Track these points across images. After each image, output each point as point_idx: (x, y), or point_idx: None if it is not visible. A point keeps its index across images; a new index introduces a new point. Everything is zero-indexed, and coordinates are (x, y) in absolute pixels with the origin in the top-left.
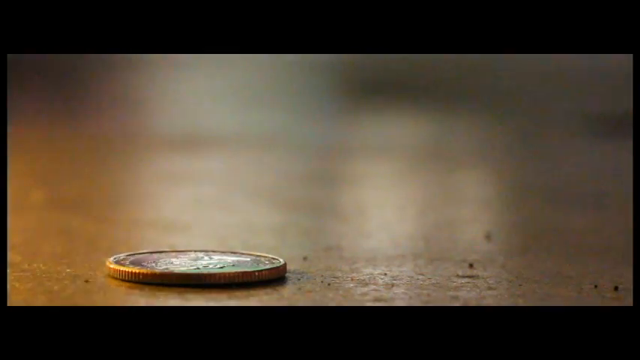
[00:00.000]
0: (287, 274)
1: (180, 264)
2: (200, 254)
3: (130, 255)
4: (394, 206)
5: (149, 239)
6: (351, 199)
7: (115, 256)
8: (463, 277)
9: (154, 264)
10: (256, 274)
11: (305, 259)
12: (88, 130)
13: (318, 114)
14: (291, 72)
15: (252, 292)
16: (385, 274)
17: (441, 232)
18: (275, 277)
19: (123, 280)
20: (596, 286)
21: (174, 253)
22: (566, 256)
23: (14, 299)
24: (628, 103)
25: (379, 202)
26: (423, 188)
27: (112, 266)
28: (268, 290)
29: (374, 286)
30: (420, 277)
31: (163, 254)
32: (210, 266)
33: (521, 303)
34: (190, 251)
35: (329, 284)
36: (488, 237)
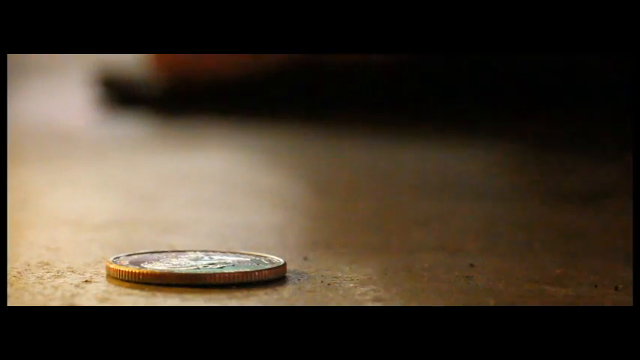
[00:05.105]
0: (287, 274)
1: (180, 264)
2: (200, 254)
3: (130, 255)
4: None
5: (149, 239)
6: (351, 198)
7: (114, 256)
8: (463, 276)
9: (153, 264)
10: (256, 274)
11: (305, 259)
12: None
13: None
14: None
15: (252, 292)
16: (385, 273)
17: (440, 231)
18: (275, 277)
19: (123, 280)
20: (596, 286)
21: (174, 253)
22: (566, 256)
23: (14, 299)
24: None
25: (376, 200)
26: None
27: (112, 266)
28: (268, 290)
29: (373, 286)
30: (420, 277)
31: (163, 254)
32: (210, 266)
33: (520, 303)
34: (190, 251)
35: (329, 284)
36: (490, 233)
